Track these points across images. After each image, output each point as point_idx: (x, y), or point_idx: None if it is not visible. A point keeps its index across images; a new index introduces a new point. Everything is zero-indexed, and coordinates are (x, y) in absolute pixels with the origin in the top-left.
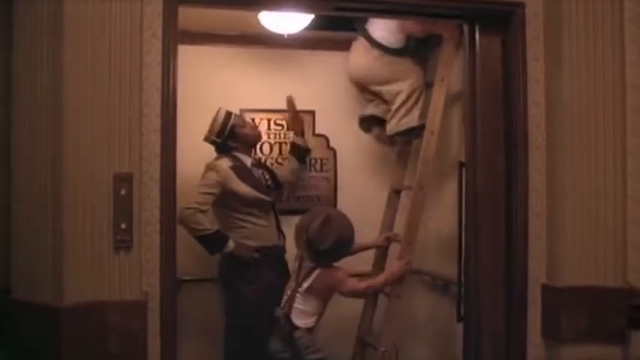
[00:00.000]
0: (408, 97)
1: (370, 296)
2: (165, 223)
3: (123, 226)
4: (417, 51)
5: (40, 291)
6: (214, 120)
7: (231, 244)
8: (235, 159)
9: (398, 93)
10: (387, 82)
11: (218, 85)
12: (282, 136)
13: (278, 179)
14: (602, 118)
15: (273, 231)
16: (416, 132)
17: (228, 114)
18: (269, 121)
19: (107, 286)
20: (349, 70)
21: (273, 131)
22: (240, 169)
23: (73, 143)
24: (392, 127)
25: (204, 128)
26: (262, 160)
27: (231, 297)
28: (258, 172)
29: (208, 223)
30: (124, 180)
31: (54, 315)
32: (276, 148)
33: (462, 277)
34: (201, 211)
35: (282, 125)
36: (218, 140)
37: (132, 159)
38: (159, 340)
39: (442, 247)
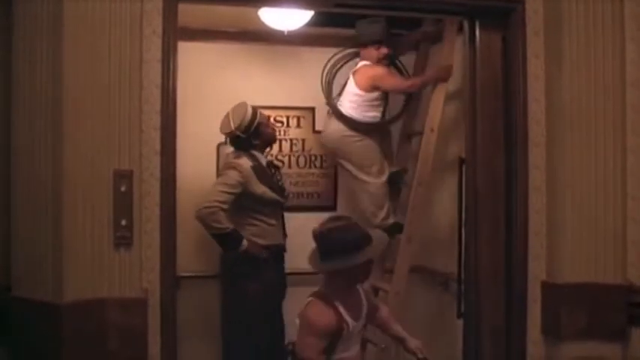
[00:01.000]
0: (382, 195)
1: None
2: (165, 220)
3: (123, 222)
4: (382, 128)
5: (40, 288)
6: (242, 115)
7: (245, 243)
8: (254, 158)
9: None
10: (354, 162)
11: (218, 81)
12: (282, 132)
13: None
14: (602, 116)
15: (280, 230)
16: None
17: (255, 110)
18: (269, 117)
19: (107, 283)
20: (322, 140)
21: None
22: (258, 170)
23: (73, 140)
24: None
25: (204, 125)
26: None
27: (234, 294)
28: (272, 172)
29: (227, 222)
30: (124, 177)
31: (54, 312)
32: (276, 145)
33: (462, 274)
34: (223, 210)
35: (282, 122)
36: (243, 136)
37: (132, 156)
38: (159, 337)
39: (442, 244)
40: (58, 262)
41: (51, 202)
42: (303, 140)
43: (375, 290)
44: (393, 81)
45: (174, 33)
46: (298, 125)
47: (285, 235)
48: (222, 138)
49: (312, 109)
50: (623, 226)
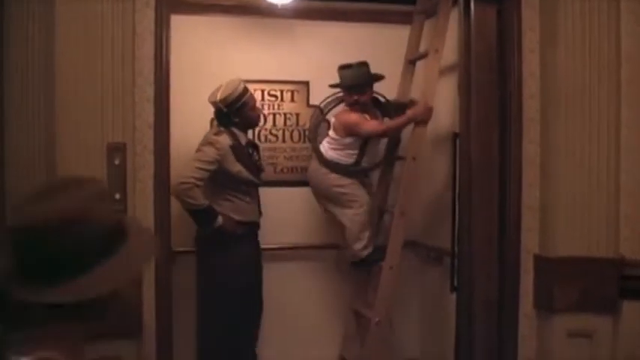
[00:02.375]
0: (360, 225)
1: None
2: (159, 193)
3: (117, 196)
4: (365, 172)
5: None
6: (231, 90)
7: (220, 219)
8: (234, 136)
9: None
10: (334, 200)
11: (212, 55)
12: (276, 107)
13: (261, 159)
14: (596, 90)
15: (254, 208)
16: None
17: (246, 90)
18: (263, 91)
19: None
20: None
21: (267, 102)
22: (237, 149)
23: (67, 113)
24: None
25: (198, 99)
26: (252, 137)
27: (208, 270)
28: (250, 152)
29: (202, 198)
30: (117, 150)
31: None
32: (270, 119)
33: (456, 248)
34: (197, 186)
35: (275, 96)
36: (225, 110)
37: (125, 129)
38: (154, 310)
39: (436, 219)
40: None
41: (45, 175)
42: (297, 114)
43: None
44: (366, 127)
45: (167, 5)
46: (292, 99)
47: (260, 212)
48: None
49: (307, 84)
50: (616, 200)
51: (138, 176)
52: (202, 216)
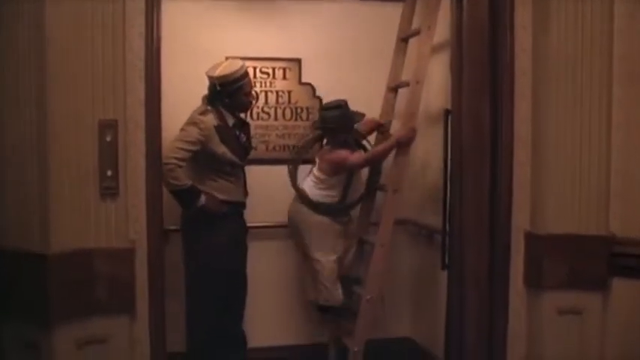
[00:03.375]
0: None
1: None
2: (151, 170)
3: (109, 173)
4: (350, 209)
5: (27, 239)
6: (230, 71)
7: (203, 199)
8: (221, 117)
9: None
10: (310, 240)
11: (204, 31)
12: (268, 84)
13: (250, 138)
14: (588, 67)
15: (239, 188)
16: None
17: (245, 74)
18: (255, 69)
19: (94, 233)
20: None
21: (259, 79)
22: (222, 129)
23: (58, 90)
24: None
25: (190, 77)
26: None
27: (193, 249)
28: (237, 134)
29: (185, 178)
30: (109, 127)
31: (41, 262)
32: (262, 97)
33: (447, 226)
34: (179, 167)
35: (267, 74)
36: (218, 88)
37: (116, 106)
38: (146, 287)
39: (427, 197)
40: (44, 212)
41: (36, 153)
42: (289, 92)
43: (361, 242)
44: (354, 159)
45: None
46: (284, 77)
47: (246, 193)
48: (207, 90)
49: (299, 61)
50: (607, 178)
51: (129, 153)
52: (185, 196)
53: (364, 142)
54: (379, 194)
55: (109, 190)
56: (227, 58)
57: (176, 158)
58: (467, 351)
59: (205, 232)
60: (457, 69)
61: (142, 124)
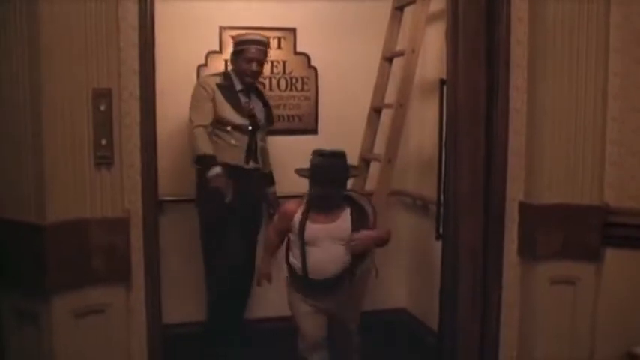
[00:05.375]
0: None
1: None
2: (145, 139)
3: (103, 142)
4: None
5: (22, 209)
6: (243, 37)
7: (214, 172)
8: (227, 79)
9: None
10: None
11: (199, 1)
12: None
13: (271, 114)
14: (585, 35)
15: (240, 152)
16: None
17: (251, 42)
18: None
19: (89, 203)
20: None
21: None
22: (225, 88)
23: (51, 58)
24: None
25: (184, 46)
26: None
27: (203, 215)
28: (244, 99)
29: (205, 144)
30: (103, 96)
31: (37, 233)
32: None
33: (442, 196)
34: (203, 127)
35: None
36: (231, 49)
37: (110, 74)
38: (142, 256)
39: (422, 168)
40: (39, 182)
41: (30, 122)
42: (284, 62)
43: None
44: None
45: None
46: (279, 47)
47: (252, 159)
48: (202, 60)
49: (294, 30)
50: (602, 147)
51: (124, 122)
52: (201, 164)
53: None
54: (373, 164)
55: (104, 159)
56: (221, 28)
57: (193, 119)
58: (460, 321)
59: (209, 200)
60: (453, 38)
61: (137, 94)
